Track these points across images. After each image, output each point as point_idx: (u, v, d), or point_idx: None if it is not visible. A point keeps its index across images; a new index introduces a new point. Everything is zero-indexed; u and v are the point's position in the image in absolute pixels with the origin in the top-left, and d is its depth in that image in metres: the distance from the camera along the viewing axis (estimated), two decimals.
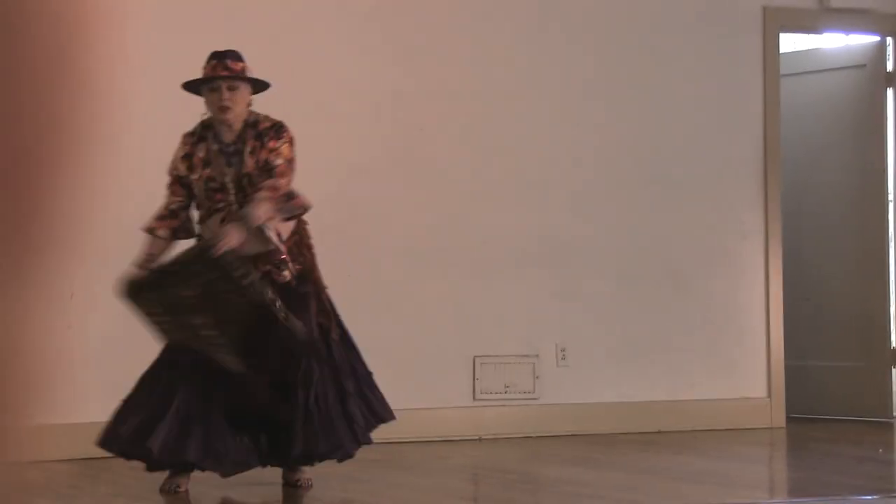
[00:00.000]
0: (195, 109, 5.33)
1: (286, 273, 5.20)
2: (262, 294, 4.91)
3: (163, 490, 5.16)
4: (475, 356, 7.00)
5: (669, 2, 7.45)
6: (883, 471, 6.17)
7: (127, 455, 5.17)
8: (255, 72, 5.31)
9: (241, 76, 5.20)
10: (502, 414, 7.03)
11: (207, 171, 5.20)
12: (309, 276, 5.31)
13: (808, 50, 8.21)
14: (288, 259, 5.22)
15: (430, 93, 6.99)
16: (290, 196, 5.22)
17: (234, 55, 5.24)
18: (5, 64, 0.77)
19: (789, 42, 8.09)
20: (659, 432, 7.25)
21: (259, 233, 5.09)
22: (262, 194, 5.08)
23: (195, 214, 5.29)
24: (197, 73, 5.37)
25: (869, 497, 5.22)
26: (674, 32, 7.48)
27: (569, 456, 6.39)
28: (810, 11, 7.76)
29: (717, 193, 7.55)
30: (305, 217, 5.35)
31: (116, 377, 6.19)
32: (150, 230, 5.25)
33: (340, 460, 5.27)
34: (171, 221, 5.26)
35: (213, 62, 5.21)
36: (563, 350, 7.19)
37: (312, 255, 5.36)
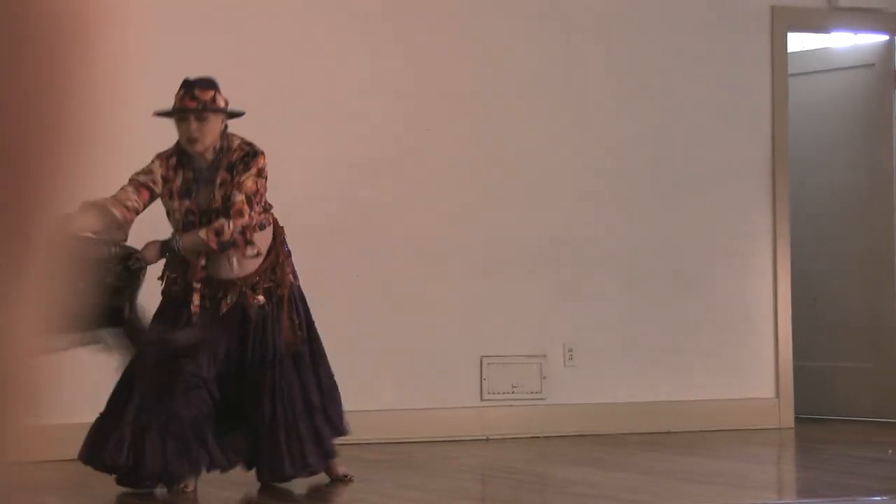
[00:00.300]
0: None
1: (260, 297, 5.21)
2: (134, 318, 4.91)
3: (171, 490, 5.16)
4: (482, 356, 7.00)
5: (677, 1, 7.43)
6: (892, 471, 6.15)
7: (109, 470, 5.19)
8: (251, 80, 5.31)
9: (209, 108, 5.11)
10: (509, 414, 7.03)
11: (187, 202, 5.17)
12: (280, 292, 5.28)
13: (816, 49, 8.20)
14: (261, 282, 5.23)
15: (437, 93, 6.98)
16: (228, 244, 5.13)
17: (205, 83, 5.14)
18: (5, 63, 0.77)
19: (797, 41, 8.07)
20: (667, 433, 7.24)
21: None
22: (200, 233, 5.08)
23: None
24: (200, 72, 5.37)
25: (878, 498, 5.20)
26: (681, 32, 7.47)
27: (576, 456, 6.38)
28: (818, 11, 7.75)
29: (725, 194, 7.54)
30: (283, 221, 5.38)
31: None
32: (99, 205, 5.02)
33: (309, 476, 5.30)
34: (126, 213, 5.07)
35: (181, 92, 5.13)
36: (570, 350, 7.18)
37: (285, 272, 5.32)
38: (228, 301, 5.19)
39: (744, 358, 7.53)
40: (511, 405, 7.05)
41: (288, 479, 5.27)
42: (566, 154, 7.21)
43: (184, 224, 5.18)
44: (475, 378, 7.00)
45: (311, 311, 6.67)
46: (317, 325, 6.67)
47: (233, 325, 5.21)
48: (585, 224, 7.23)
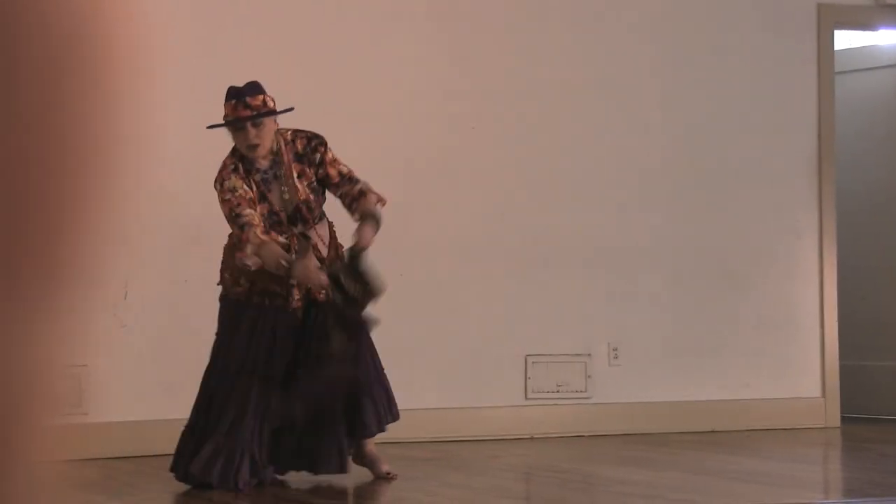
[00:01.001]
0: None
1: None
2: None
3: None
4: (527, 355, 6.99)
5: (723, 0, 7.41)
6: None
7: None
8: (301, 79, 5.34)
9: (263, 113, 5.15)
10: (554, 413, 7.02)
11: (264, 205, 5.20)
12: None
13: (863, 47, 8.14)
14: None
15: (482, 92, 6.98)
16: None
17: (253, 89, 5.18)
18: (26, 67, 0.77)
19: (844, 39, 8.02)
20: (712, 432, 7.22)
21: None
22: (372, 208, 5.31)
23: None
24: (246, 74, 5.40)
25: None
26: (728, 30, 7.44)
27: (621, 456, 6.37)
28: (865, 8, 7.70)
29: (771, 192, 7.50)
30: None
31: (171, 376, 6.24)
32: (258, 238, 5.09)
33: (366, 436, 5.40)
34: (261, 229, 5.14)
35: (233, 102, 5.16)
36: (615, 349, 7.17)
37: None
38: (297, 298, 5.23)
39: (790, 357, 7.50)
40: (556, 404, 7.04)
41: (373, 434, 5.38)
42: (612, 152, 7.20)
43: (271, 225, 5.19)
44: (520, 377, 7.00)
45: None
46: None
47: (299, 321, 5.25)
48: (631, 223, 7.22)
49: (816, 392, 7.54)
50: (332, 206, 6.69)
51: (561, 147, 7.08)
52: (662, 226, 7.28)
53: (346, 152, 6.67)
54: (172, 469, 5.23)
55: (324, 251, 5.29)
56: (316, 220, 5.30)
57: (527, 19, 7.05)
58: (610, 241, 7.17)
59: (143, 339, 6.17)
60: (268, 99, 5.21)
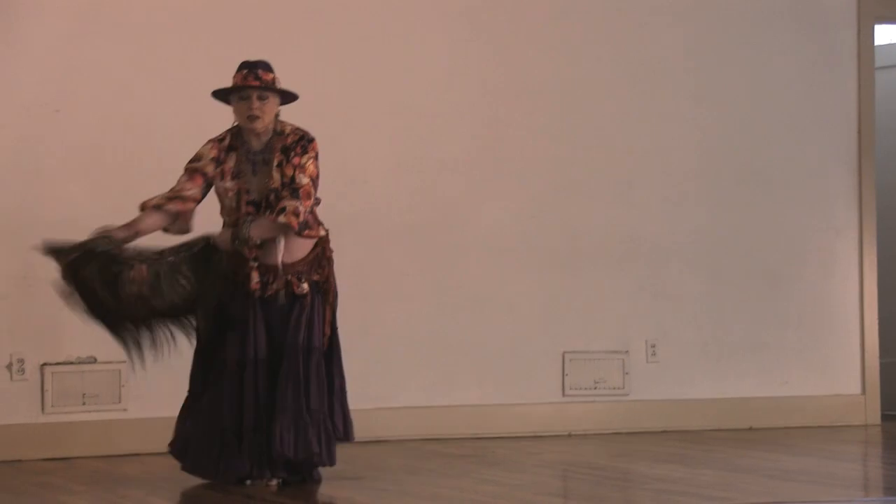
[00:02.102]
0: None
1: (304, 285, 5.27)
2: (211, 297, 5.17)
3: (255, 484, 5.22)
4: (564, 352, 6.99)
5: None
6: None
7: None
8: (334, 71, 5.35)
9: (270, 87, 5.24)
10: (591, 410, 7.01)
11: (240, 181, 5.26)
12: (326, 286, 5.35)
13: None
14: (307, 272, 5.29)
15: (519, 88, 6.97)
16: (305, 226, 5.21)
17: (265, 66, 5.28)
18: None
19: (884, 34, 7.96)
20: (750, 429, 7.19)
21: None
22: (279, 219, 5.15)
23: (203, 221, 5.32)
24: (282, 70, 5.41)
25: None
26: (766, 26, 7.40)
27: (659, 453, 6.35)
28: None
29: (811, 189, 7.46)
30: (329, 227, 5.40)
31: None
32: (157, 206, 5.19)
33: (315, 466, 5.31)
34: (182, 204, 5.23)
35: (244, 71, 5.26)
36: (653, 346, 7.15)
37: (331, 267, 5.38)
38: (274, 287, 5.24)
39: (829, 354, 7.46)
40: (593, 401, 7.03)
41: (290, 458, 5.23)
42: (649, 150, 7.18)
43: (237, 203, 5.24)
44: (557, 374, 6.99)
45: (394, 307, 6.71)
46: (399, 321, 6.70)
47: (275, 310, 5.25)
48: (668, 220, 7.20)
49: (856, 389, 7.50)
50: (422, 199, 6.71)
51: (598, 145, 7.07)
52: (701, 222, 7.25)
53: (380, 149, 6.69)
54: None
55: (282, 251, 5.24)
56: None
57: (561, 17, 7.04)
58: (648, 237, 7.15)
59: (180, 335, 6.19)
60: (277, 80, 5.29)
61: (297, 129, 5.32)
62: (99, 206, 6.03)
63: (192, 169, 5.28)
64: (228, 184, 5.27)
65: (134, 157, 6.19)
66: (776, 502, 5.03)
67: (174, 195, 5.23)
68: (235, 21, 6.41)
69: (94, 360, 6.10)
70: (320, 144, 5.31)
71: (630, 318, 7.12)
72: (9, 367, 5.98)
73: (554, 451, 6.38)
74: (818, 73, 7.49)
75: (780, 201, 7.41)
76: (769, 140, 7.40)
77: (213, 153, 5.29)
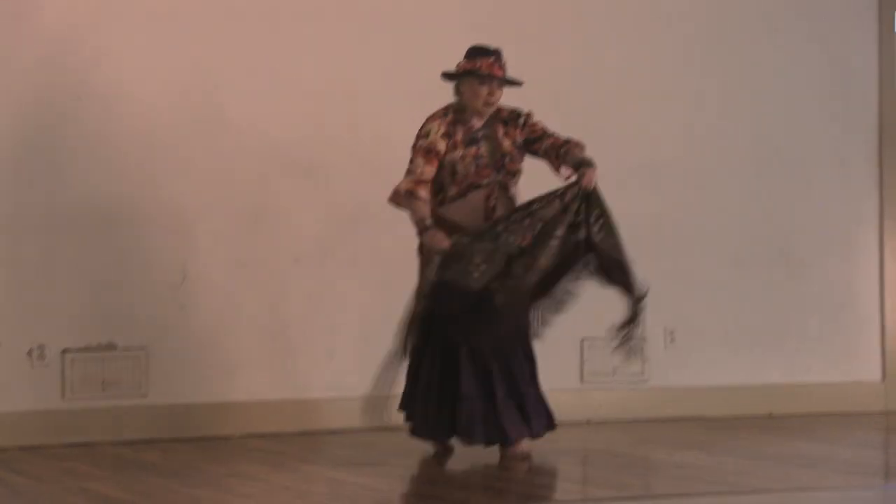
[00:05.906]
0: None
1: None
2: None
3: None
4: (583, 338, 6.98)
5: None
6: None
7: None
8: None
9: (511, 80, 5.61)
10: (610, 397, 7.01)
11: (473, 149, 5.56)
12: None
13: None
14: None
15: (539, 78, 6.96)
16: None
17: (502, 55, 5.63)
18: None
19: None
20: (770, 416, 7.18)
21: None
22: (578, 145, 5.66)
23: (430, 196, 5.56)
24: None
25: None
26: (788, 15, 7.37)
27: (679, 439, 6.35)
28: None
29: (832, 178, 7.44)
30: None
31: (229, 358, 6.28)
32: (415, 194, 5.48)
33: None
34: (427, 188, 5.52)
35: (491, 59, 5.57)
36: (671, 332, 7.14)
37: None
38: None
39: (850, 341, 7.44)
40: (612, 388, 7.03)
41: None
42: (671, 137, 7.16)
43: (475, 168, 5.54)
44: (575, 360, 6.99)
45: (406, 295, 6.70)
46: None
47: None
48: (689, 206, 7.18)
49: (877, 376, 7.49)
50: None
51: (619, 130, 7.05)
52: (722, 210, 7.24)
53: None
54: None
55: (499, 210, 5.58)
56: (514, 177, 5.65)
57: (585, 14, 7.02)
58: (668, 223, 7.14)
59: (201, 321, 6.21)
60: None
61: (507, 107, 5.66)
62: (118, 193, 6.03)
63: (426, 150, 5.53)
64: (461, 152, 5.55)
65: (156, 146, 6.19)
66: (797, 488, 5.03)
67: (420, 180, 5.49)
68: (259, 4, 6.41)
69: (114, 347, 6.12)
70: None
71: (649, 305, 7.09)
72: (29, 353, 6.00)
73: (573, 438, 6.38)
74: (839, 62, 7.46)
75: (801, 189, 7.38)
76: (792, 128, 7.38)
77: (443, 128, 5.56)
